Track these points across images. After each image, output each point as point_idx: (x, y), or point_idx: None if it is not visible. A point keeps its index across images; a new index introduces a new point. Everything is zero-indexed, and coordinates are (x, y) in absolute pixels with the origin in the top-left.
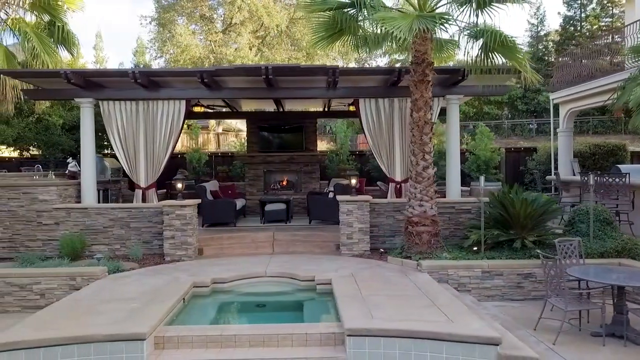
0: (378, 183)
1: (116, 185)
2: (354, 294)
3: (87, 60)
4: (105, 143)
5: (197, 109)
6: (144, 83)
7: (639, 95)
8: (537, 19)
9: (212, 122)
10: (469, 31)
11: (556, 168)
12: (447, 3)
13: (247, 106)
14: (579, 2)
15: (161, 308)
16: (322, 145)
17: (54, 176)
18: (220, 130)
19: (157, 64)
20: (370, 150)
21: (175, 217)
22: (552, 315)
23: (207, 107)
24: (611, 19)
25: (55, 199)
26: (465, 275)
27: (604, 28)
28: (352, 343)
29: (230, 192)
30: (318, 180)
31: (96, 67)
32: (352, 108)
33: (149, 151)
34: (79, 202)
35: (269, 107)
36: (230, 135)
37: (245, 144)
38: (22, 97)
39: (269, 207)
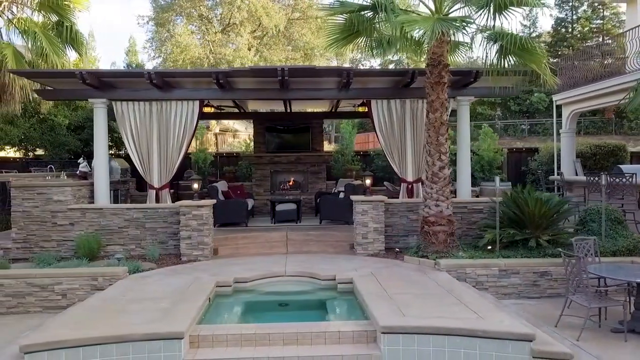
0: (385, 183)
1: (124, 186)
2: (380, 293)
3: (79, 59)
4: (110, 144)
5: (206, 110)
6: (159, 84)
7: None
8: (530, 20)
9: (213, 122)
10: (487, 34)
11: (559, 168)
12: (463, 6)
13: (254, 106)
14: (570, 4)
15: (192, 307)
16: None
17: (65, 176)
18: (217, 130)
19: (155, 64)
20: (374, 150)
21: (192, 218)
22: (571, 312)
23: (217, 107)
24: (602, 21)
25: (70, 200)
26: (483, 274)
27: (595, 30)
28: (386, 340)
29: (239, 192)
30: (324, 180)
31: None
32: (361, 109)
33: (163, 152)
34: (92, 202)
35: (276, 107)
36: (228, 135)
37: (252, 144)
38: (29, 97)
39: (279, 207)
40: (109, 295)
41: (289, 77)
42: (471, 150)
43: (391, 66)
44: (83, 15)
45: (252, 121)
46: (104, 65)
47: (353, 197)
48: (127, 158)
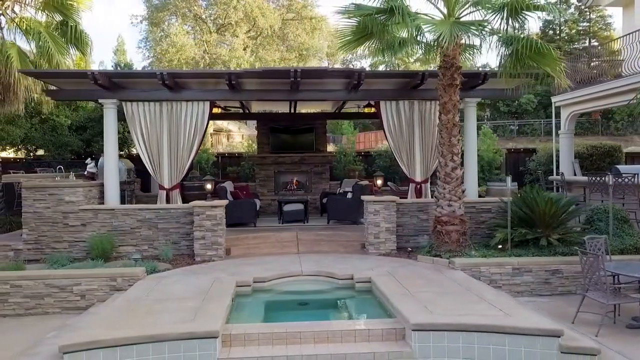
0: (389, 183)
1: (130, 187)
2: (403, 292)
3: (80, 58)
4: None
5: (214, 110)
6: (170, 84)
7: None
8: (519, 22)
9: (211, 122)
10: (501, 37)
11: (557, 168)
12: (474, 10)
13: (258, 107)
14: (558, 7)
15: (220, 307)
16: None
17: (74, 177)
18: (211, 130)
19: (148, 64)
20: (375, 151)
21: (205, 218)
22: (585, 309)
23: (223, 108)
24: (588, 24)
25: (82, 200)
26: (497, 272)
27: (582, 32)
28: (417, 337)
29: (244, 192)
30: (328, 180)
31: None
32: (367, 110)
33: (173, 152)
34: (102, 203)
35: (280, 108)
36: (222, 135)
37: (254, 145)
38: (32, 98)
39: (287, 208)
40: (133, 295)
41: (302, 78)
42: None
43: (382, 67)
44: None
45: (256, 122)
46: (93, 65)
47: (364, 198)
48: (131, 158)
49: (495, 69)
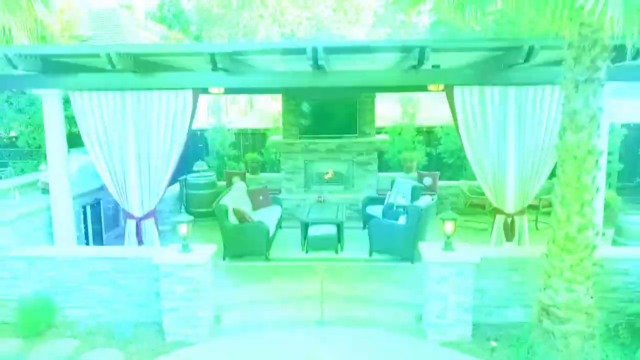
0: (424, 180)
1: (108, 197)
2: None
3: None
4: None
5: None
6: (130, 67)
7: None
8: None
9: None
10: None
11: None
12: None
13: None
14: None
15: None
16: None
17: (17, 194)
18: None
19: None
20: (442, 127)
21: (177, 281)
22: None
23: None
24: None
25: (11, 243)
26: None
27: None
28: None
29: (261, 197)
30: (376, 173)
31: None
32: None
33: (144, 165)
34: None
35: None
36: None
37: (280, 123)
38: None
39: (312, 232)
40: None
41: (327, 54)
42: None
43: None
44: None
45: (280, 97)
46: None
47: (425, 254)
48: None
49: None
